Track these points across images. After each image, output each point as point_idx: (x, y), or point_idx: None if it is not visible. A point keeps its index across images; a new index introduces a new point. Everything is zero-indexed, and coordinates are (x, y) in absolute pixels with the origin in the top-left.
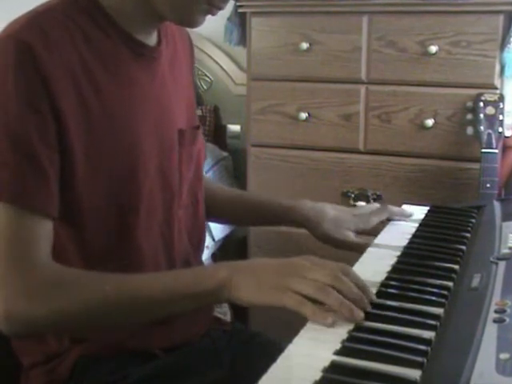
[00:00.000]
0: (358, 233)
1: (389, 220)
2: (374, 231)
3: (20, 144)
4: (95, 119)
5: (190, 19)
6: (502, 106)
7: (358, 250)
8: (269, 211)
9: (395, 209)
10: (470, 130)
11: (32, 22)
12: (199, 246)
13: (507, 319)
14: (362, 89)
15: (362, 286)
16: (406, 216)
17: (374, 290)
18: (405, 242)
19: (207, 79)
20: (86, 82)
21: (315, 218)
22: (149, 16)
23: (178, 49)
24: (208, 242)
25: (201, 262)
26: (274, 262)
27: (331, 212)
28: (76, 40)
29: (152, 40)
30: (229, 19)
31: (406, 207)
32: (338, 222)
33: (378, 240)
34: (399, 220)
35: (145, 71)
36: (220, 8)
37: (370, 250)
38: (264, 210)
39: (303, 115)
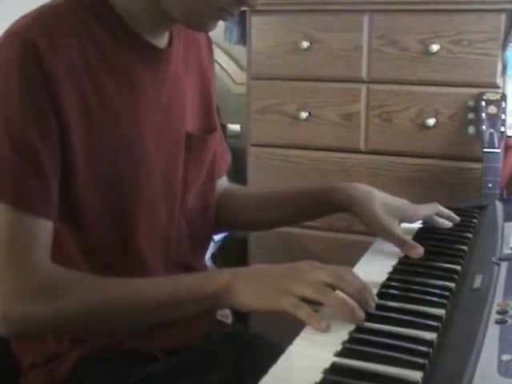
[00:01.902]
0: (360, 232)
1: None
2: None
3: (21, 145)
4: (97, 122)
5: (201, 24)
6: (504, 105)
7: (399, 245)
8: (314, 197)
9: (444, 209)
10: (471, 130)
11: (39, 20)
12: (203, 250)
13: (509, 320)
14: (363, 88)
15: (362, 287)
16: (453, 220)
17: (374, 291)
18: None
19: None
20: (89, 85)
21: (364, 198)
22: (159, 18)
23: (193, 47)
24: None
25: (204, 266)
26: (275, 267)
27: (380, 194)
28: (82, 40)
29: (163, 42)
30: None
31: None
32: (387, 206)
33: (380, 240)
34: (438, 223)
35: (153, 74)
36: (232, 15)
37: (370, 250)
38: (307, 197)
39: (303, 115)
